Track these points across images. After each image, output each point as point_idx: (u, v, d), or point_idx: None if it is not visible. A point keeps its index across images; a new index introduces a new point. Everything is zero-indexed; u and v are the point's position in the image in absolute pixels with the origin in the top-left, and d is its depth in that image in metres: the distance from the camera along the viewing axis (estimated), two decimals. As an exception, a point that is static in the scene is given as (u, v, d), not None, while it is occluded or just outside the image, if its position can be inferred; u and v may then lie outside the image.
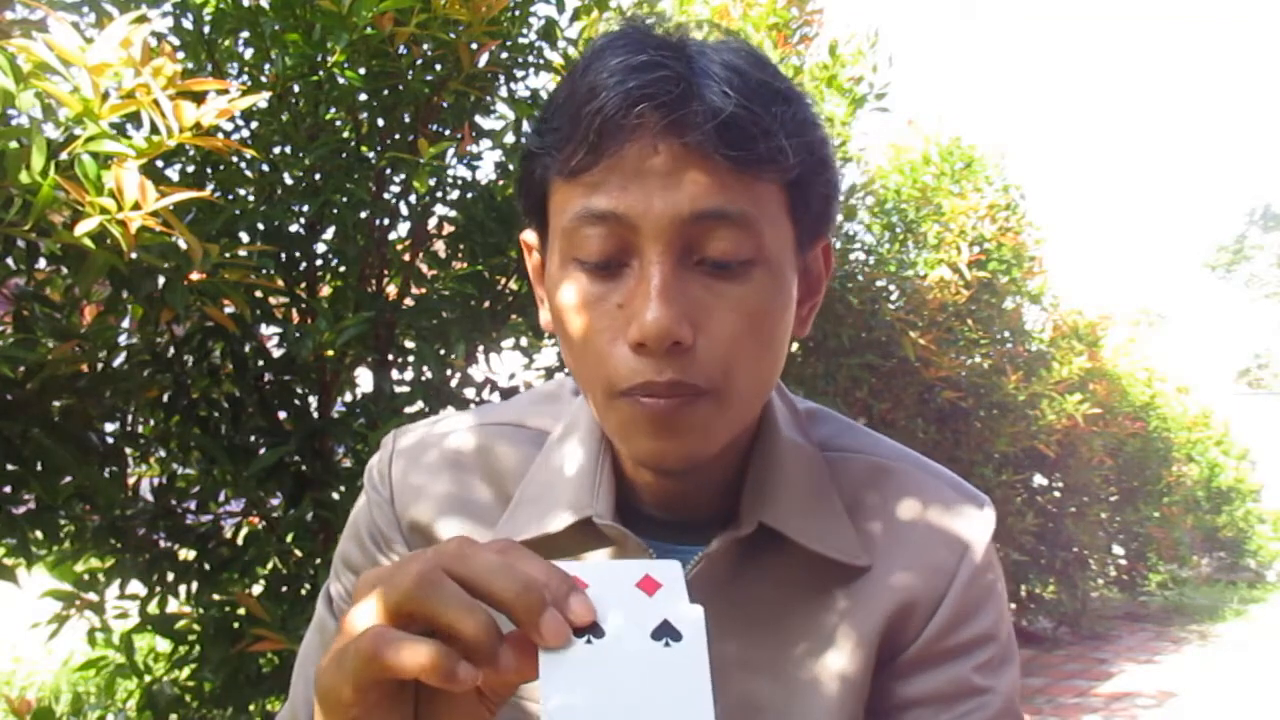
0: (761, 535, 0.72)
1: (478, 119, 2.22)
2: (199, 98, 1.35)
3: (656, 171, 0.61)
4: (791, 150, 0.63)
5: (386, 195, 2.15)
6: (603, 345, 0.64)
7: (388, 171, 2.12)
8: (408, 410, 2.00)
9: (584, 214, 0.63)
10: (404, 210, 2.22)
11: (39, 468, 1.65)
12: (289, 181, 2.02)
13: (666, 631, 0.49)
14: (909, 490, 0.77)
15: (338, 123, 2.11)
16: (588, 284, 0.64)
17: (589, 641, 0.48)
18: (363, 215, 2.06)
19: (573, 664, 0.47)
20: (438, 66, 2.02)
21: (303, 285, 2.16)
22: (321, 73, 1.92)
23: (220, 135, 1.47)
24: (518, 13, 2.10)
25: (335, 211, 1.98)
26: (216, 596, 2.03)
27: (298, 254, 2.12)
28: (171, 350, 1.99)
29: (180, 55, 1.92)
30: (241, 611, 1.98)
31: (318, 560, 1.99)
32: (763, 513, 0.71)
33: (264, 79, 2.01)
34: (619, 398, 0.64)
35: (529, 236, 0.74)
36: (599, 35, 0.66)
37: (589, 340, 0.65)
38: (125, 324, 1.87)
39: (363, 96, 2.01)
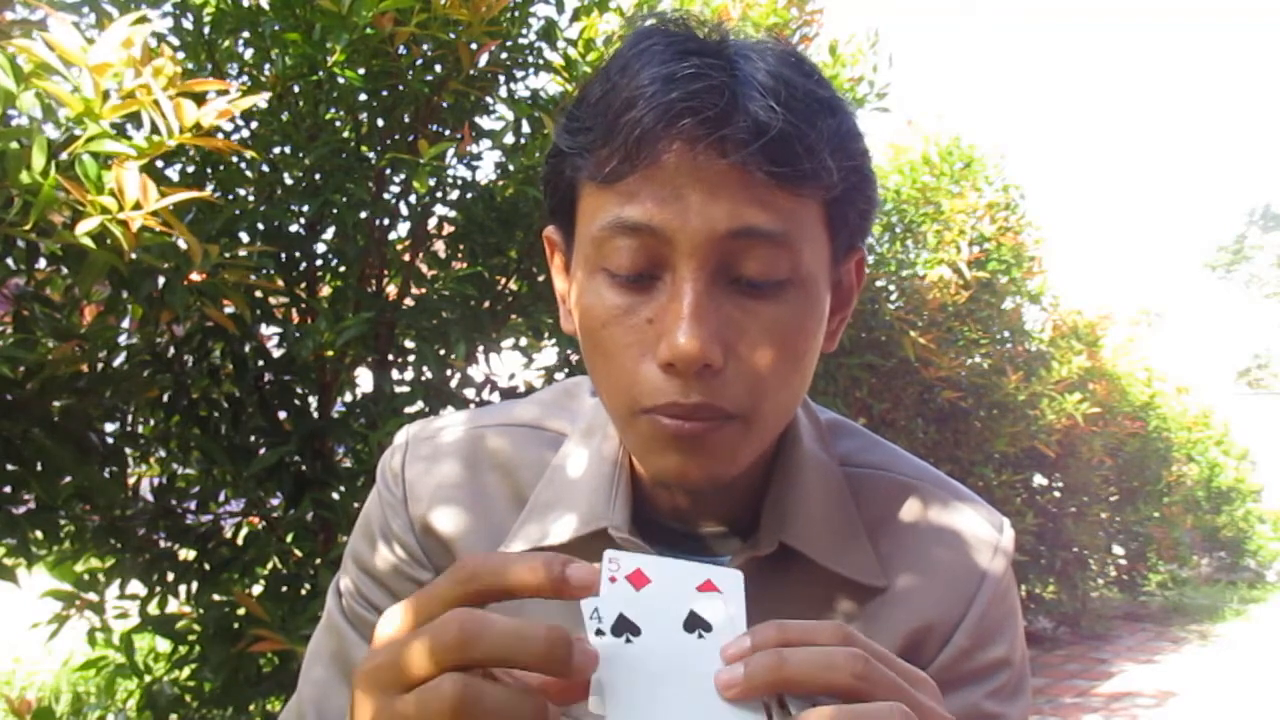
0: (780, 553, 0.71)
1: (478, 119, 2.22)
2: (199, 98, 1.35)
3: (695, 186, 0.59)
4: (835, 168, 0.61)
5: (386, 195, 2.15)
6: (629, 361, 0.62)
7: (388, 171, 2.12)
8: (408, 410, 2.00)
9: (616, 224, 0.60)
10: (404, 210, 2.22)
11: (39, 468, 1.65)
12: (289, 181, 2.02)
13: (698, 624, 0.49)
14: (930, 510, 0.76)
15: (338, 123, 2.11)
16: (616, 296, 0.62)
17: (628, 640, 0.48)
18: (363, 215, 2.06)
19: (618, 665, 0.47)
20: (438, 66, 2.02)
21: (303, 285, 2.16)
22: (321, 73, 1.92)
23: (220, 135, 1.48)
24: (518, 13, 2.10)
25: (335, 211, 1.98)
26: (216, 596, 2.03)
27: (298, 254, 2.12)
28: (171, 350, 1.99)
29: (180, 55, 1.92)
30: (241, 611, 1.97)
31: (318, 560, 1.99)
32: (783, 532, 0.70)
33: (264, 79, 2.01)
34: (642, 415, 0.62)
35: (552, 234, 0.72)
36: (635, 32, 0.63)
37: (615, 354, 0.63)
38: (125, 324, 1.87)
39: (363, 96, 2.01)
